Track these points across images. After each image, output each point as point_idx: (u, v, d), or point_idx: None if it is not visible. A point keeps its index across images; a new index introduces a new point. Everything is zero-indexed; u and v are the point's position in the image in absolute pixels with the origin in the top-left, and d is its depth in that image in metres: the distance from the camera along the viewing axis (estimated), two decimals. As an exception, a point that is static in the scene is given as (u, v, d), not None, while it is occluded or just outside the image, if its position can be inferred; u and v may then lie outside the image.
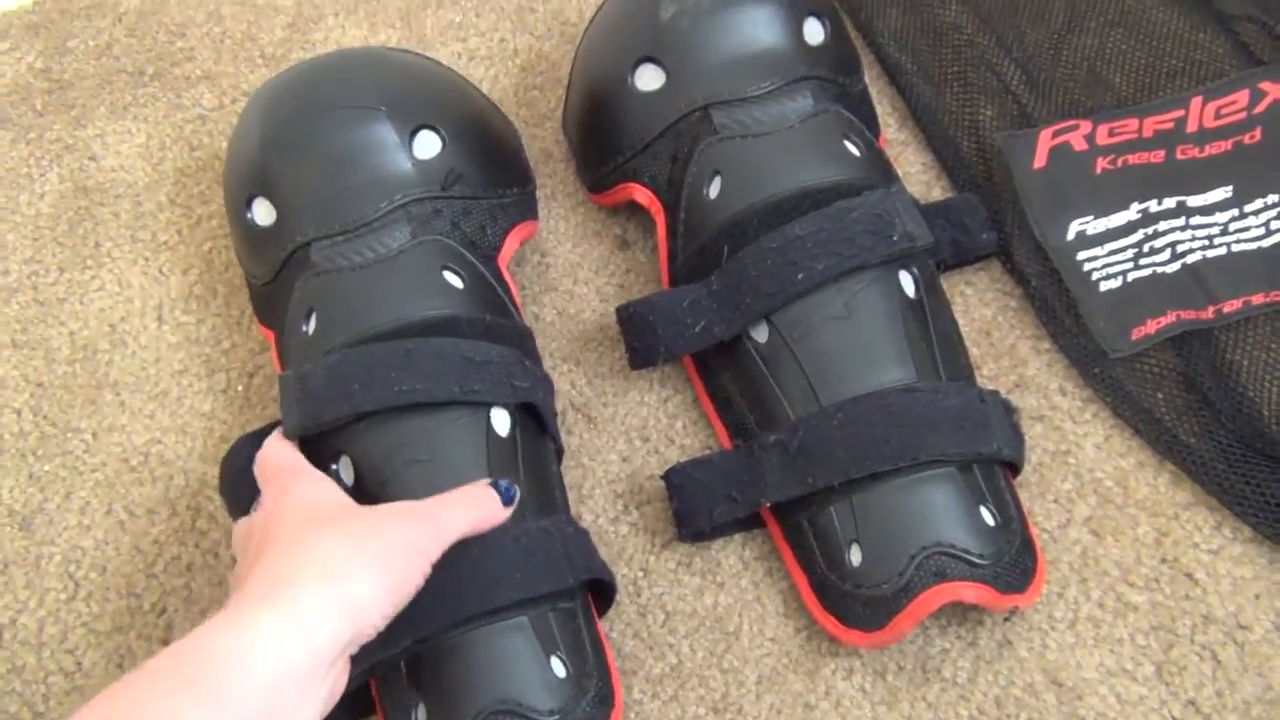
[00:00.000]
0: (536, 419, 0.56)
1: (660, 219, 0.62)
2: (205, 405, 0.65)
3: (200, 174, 0.74)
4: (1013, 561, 0.52)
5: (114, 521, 0.62)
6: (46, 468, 0.64)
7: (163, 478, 0.63)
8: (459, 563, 0.49)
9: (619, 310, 0.60)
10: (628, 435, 0.61)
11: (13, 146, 0.77)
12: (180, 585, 0.60)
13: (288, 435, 0.54)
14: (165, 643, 0.58)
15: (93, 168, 0.75)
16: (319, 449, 0.54)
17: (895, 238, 0.56)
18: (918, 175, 0.67)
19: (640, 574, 0.57)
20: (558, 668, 0.50)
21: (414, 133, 0.59)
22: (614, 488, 0.60)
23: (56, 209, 0.74)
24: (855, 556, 0.52)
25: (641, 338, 0.59)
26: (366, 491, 0.53)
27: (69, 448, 0.65)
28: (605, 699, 0.51)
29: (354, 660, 0.49)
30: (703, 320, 0.57)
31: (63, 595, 0.60)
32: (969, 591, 0.50)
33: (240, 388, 0.65)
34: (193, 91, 0.78)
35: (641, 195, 0.63)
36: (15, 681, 0.58)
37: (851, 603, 0.52)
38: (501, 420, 0.54)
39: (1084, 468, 0.57)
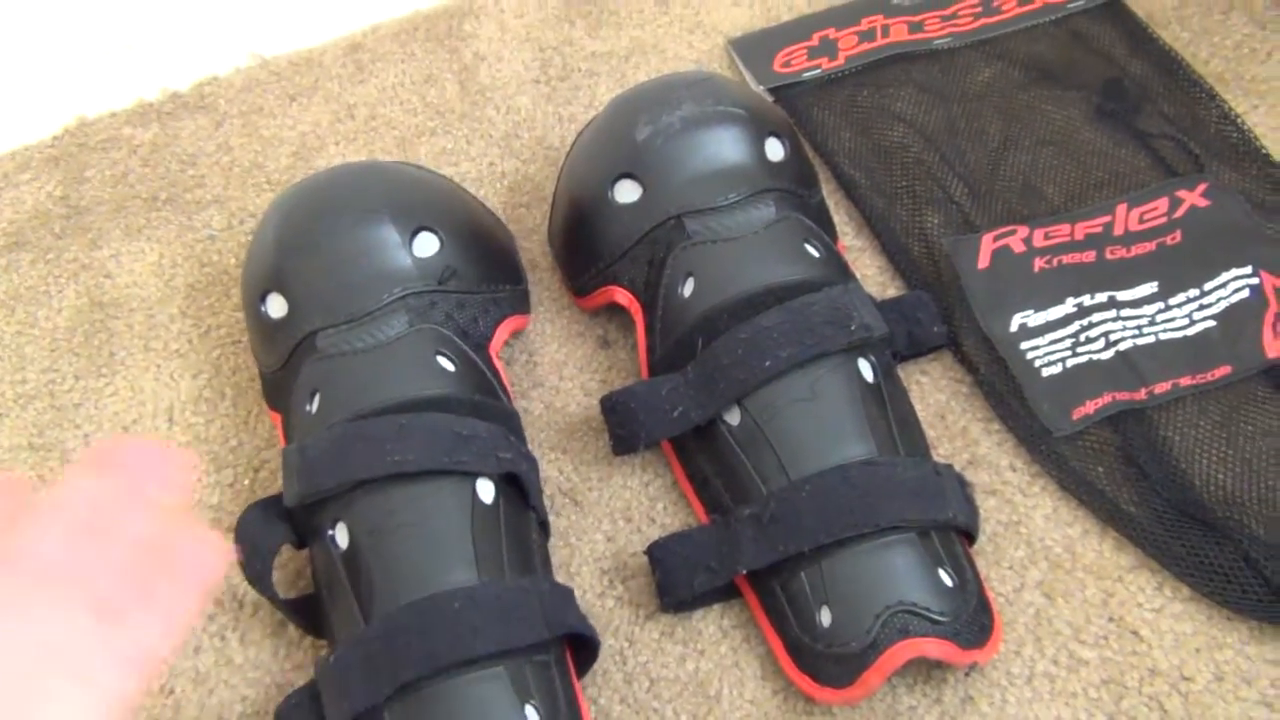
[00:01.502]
0: (520, 490, 0.61)
1: (639, 318, 0.68)
2: (213, 498, 0.69)
3: (210, 288, 0.79)
4: (971, 619, 0.56)
5: (125, 608, 0.65)
6: (60, 560, 0.67)
7: (172, 566, 0.66)
8: (439, 614, 0.54)
9: (603, 400, 0.65)
10: (612, 516, 0.66)
11: (32, 266, 0.82)
12: (188, 666, 0.63)
13: (289, 503, 0.59)
14: (173, 722, 0.61)
15: (108, 284, 0.81)
16: (317, 516, 0.59)
17: (854, 327, 0.62)
18: (874, 277, 0.73)
19: (626, 644, 0.61)
20: (532, 716, 0.53)
21: (414, 233, 0.65)
22: (600, 564, 0.64)
23: (73, 322, 0.79)
24: (825, 617, 0.56)
25: (624, 424, 0.64)
26: (358, 554, 0.57)
27: (82, 541, 0.68)
28: None
29: (345, 705, 0.53)
30: (680, 406, 0.63)
31: (74, 679, 0.63)
32: (932, 647, 0.54)
33: (246, 481, 0.70)
34: (203, 214, 0.84)
35: (622, 297, 0.69)
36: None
37: (823, 662, 0.56)
38: (486, 489, 0.59)
39: (1034, 536, 0.62)
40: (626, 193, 0.68)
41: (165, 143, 0.89)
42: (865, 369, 0.62)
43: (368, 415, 0.61)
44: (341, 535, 0.59)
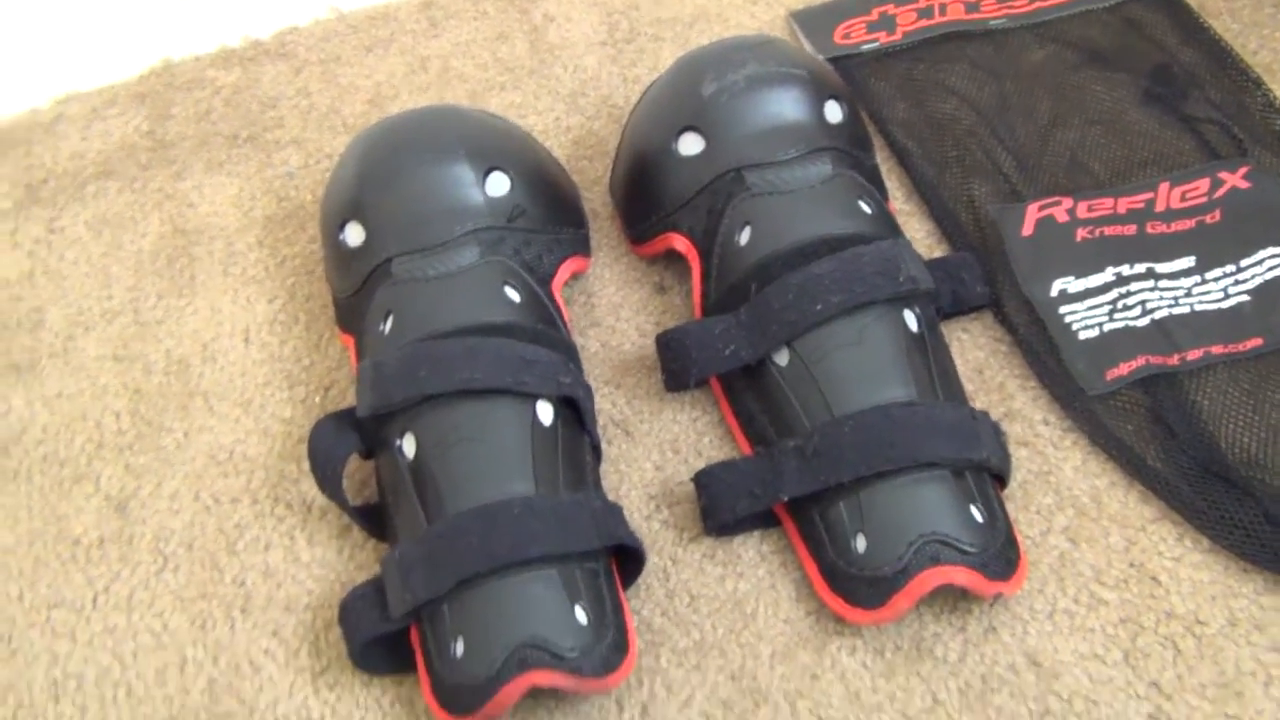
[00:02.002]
0: (576, 415, 0.65)
1: (696, 264, 0.71)
2: (285, 412, 0.73)
3: (286, 221, 0.84)
4: (998, 554, 0.59)
5: (200, 507, 0.70)
6: (141, 460, 0.72)
7: (245, 471, 0.71)
8: (500, 518, 0.58)
9: (658, 337, 0.69)
10: (661, 448, 0.69)
11: (119, 194, 0.87)
12: (259, 561, 0.67)
13: (361, 413, 0.63)
14: (244, 611, 0.65)
15: (190, 213, 0.85)
16: (386, 427, 0.63)
17: (901, 279, 0.65)
18: (922, 240, 0.77)
19: (670, 563, 0.65)
20: (580, 615, 0.57)
21: (487, 173, 0.69)
22: (648, 490, 0.68)
23: (157, 247, 0.83)
24: (860, 544, 0.60)
25: (677, 360, 0.68)
26: (425, 463, 0.61)
27: (162, 444, 0.73)
28: (620, 647, 0.58)
29: (407, 596, 0.57)
30: (732, 345, 0.66)
31: (153, 568, 0.68)
32: (960, 575, 0.58)
33: (317, 399, 0.74)
34: (281, 153, 0.88)
35: (680, 244, 0.72)
36: (108, 639, 0.65)
37: (856, 585, 0.59)
38: (546, 411, 0.63)
39: (1063, 486, 0.65)
40: (690, 145, 0.72)
41: (247, 85, 0.93)
42: (910, 319, 0.66)
43: (438, 337, 0.65)
44: (409, 445, 0.63)
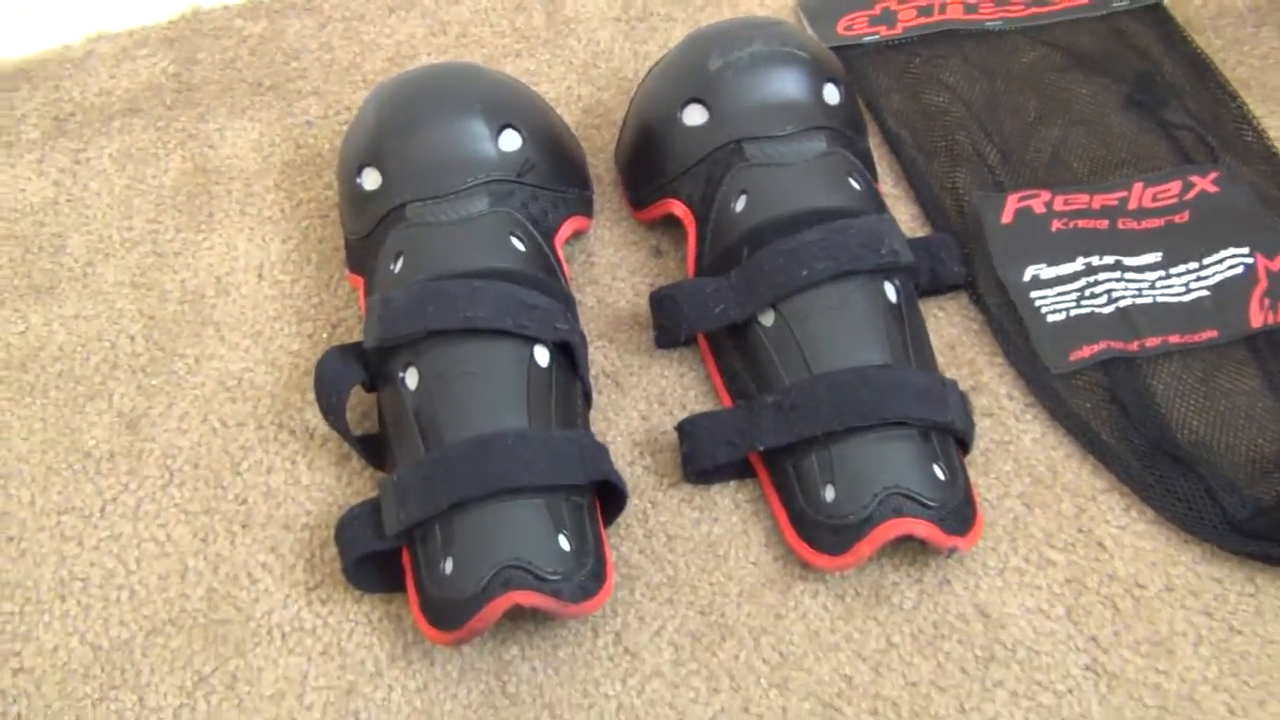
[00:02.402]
0: (571, 361, 0.69)
1: (692, 229, 0.75)
2: (294, 345, 0.77)
3: (304, 167, 0.87)
4: (956, 510, 0.63)
5: (208, 429, 0.73)
6: (153, 382, 0.76)
7: (252, 398, 0.75)
8: (494, 447, 0.62)
9: (652, 294, 0.73)
10: (648, 400, 0.73)
11: (144, 131, 0.90)
12: (260, 482, 0.71)
13: (368, 344, 0.67)
14: (245, 526, 0.69)
15: (211, 154, 0.89)
16: (392, 358, 0.67)
17: (883, 251, 0.69)
18: (906, 223, 0.81)
19: (649, 505, 0.69)
20: (563, 543, 0.61)
21: (501, 129, 0.73)
22: (633, 438, 0.72)
23: (177, 183, 0.87)
24: (829, 494, 0.64)
25: (669, 316, 0.72)
26: (426, 395, 0.65)
27: (174, 368, 0.76)
28: (599, 576, 0.62)
29: (402, 515, 0.60)
30: (722, 304, 0.70)
31: (159, 481, 0.71)
32: (919, 527, 0.62)
33: (325, 334, 0.78)
34: (302, 103, 0.92)
35: (678, 209, 0.76)
36: (113, 545, 0.69)
37: (822, 532, 0.64)
38: (542, 354, 0.67)
39: (1022, 455, 0.69)
40: (694, 116, 0.76)
41: (272, 37, 0.97)
42: (889, 291, 0.70)
43: (445, 278, 0.69)
44: (411, 378, 0.67)
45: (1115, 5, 0.92)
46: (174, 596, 0.67)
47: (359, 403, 0.73)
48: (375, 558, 0.65)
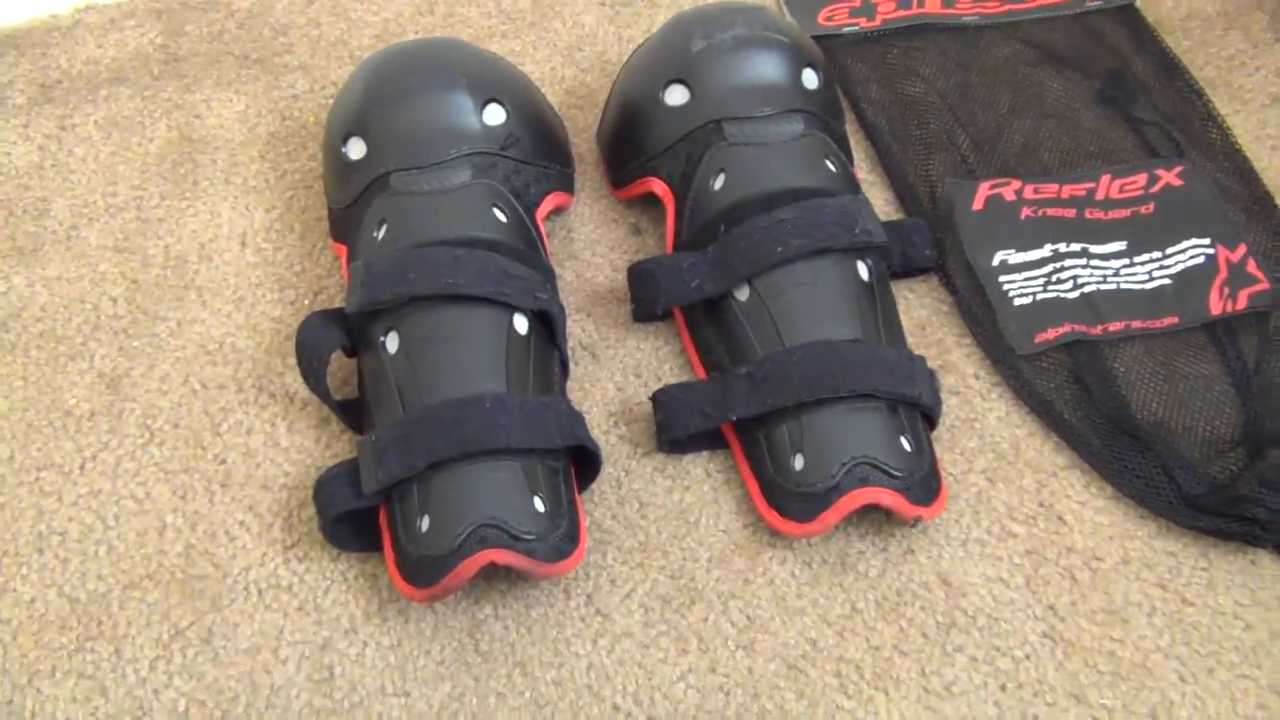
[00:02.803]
0: (549, 331, 0.70)
1: (670, 206, 0.77)
2: (275, 311, 0.78)
3: (289, 139, 0.88)
4: (922, 481, 0.65)
5: (189, 390, 0.74)
6: (135, 344, 0.77)
7: (233, 362, 0.76)
8: (473, 410, 0.63)
9: (630, 268, 0.75)
10: (624, 371, 0.75)
11: (130, 100, 0.91)
12: (240, 443, 0.72)
13: (350, 309, 0.68)
14: (224, 485, 0.70)
15: (197, 124, 0.90)
16: (373, 323, 0.69)
17: (857, 231, 0.71)
18: (881, 208, 0.83)
19: (623, 473, 0.70)
20: (538, 504, 0.62)
21: (485, 103, 0.75)
22: (608, 408, 0.73)
23: (163, 151, 0.88)
24: (798, 463, 0.65)
25: (646, 290, 0.74)
26: (406, 359, 0.67)
27: (156, 331, 0.77)
28: (572, 537, 0.63)
29: (380, 475, 0.62)
30: (698, 279, 0.72)
31: (139, 440, 0.72)
32: (885, 496, 0.64)
33: (306, 301, 0.79)
34: (289, 77, 0.93)
35: (658, 187, 0.78)
36: (92, 501, 0.70)
37: (791, 500, 0.65)
38: (521, 323, 0.68)
39: (987, 432, 0.71)
40: (676, 96, 0.77)
41: (260, 11, 0.98)
42: (862, 269, 0.72)
43: (428, 245, 0.70)
44: (392, 342, 0.68)
45: (1089, 4, 0.94)
46: (151, 552, 0.68)
47: (339, 368, 0.74)
48: (352, 517, 0.66)
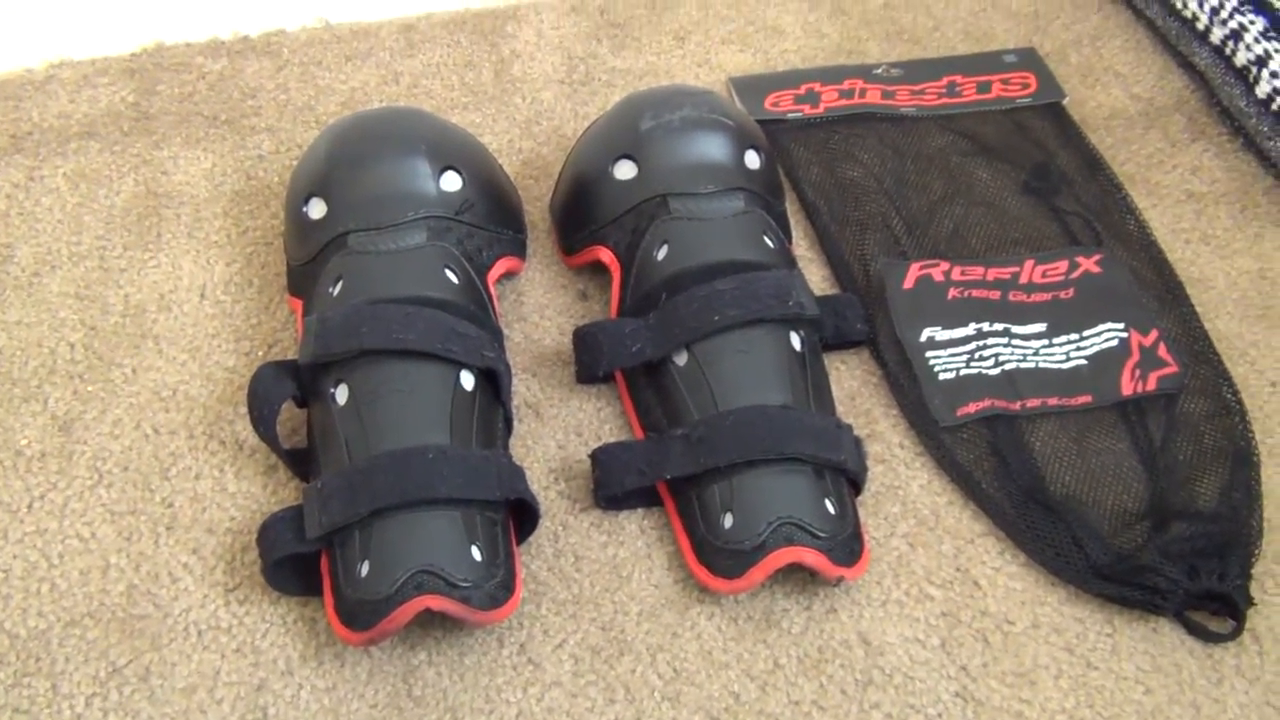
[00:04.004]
0: (495, 388, 0.73)
1: (616, 274, 0.81)
2: (230, 362, 0.80)
3: (253, 198, 0.91)
4: (845, 543, 0.68)
5: (140, 435, 0.76)
6: (90, 388, 0.79)
7: (186, 409, 0.78)
8: (415, 460, 0.66)
9: (575, 331, 0.78)
10: (565, 430, 0.78)
11: (99, 154, 0.94)
12: (188, 487, 0.74)
13: (303, 360, 0.71)
14: (169, 528, 0.72)
15: (164, 179, 0.93)
16: (325, 375, 0.71)
17: (790, 303, 0.75)
18: (818, 283, 0.87)
19: (560, 528, 0.73)
20: (476, 553, 0.65)
21: (443, 170, 0.78)
22: (549, 464, 0.76)
23: (129, 204, 0.90)
24: (728, 521, 0.68)
25: (589, 353, 0.77)
26: (354, 410, 0.69)
27: (111, 377, 0.79)
28: (508, 587, 0.66)
29: (324, 519, 0.64)
30: (639, 343, 0.75)
31: (88, 482, 0.74)
32: (809, 556, 0.67)
33: (260, 353, 0.81)
34: (255, 138, 0.96)
35: (605, 255, 0.82)
36: (38, 540, 0.71)
37: (720, 557, 0.68)
38: (468, 379, 0.71)
39: (909, 499, 0.75)
40: (625, 170, 0.82)
41: (231, 75, 1.02)
42: (795, 340, 0.75)
43: (381, 302, 0.73)
44: (342, 394, 0.71)
45: (1018, 101, 1.00)
46: (94, 591, 0.69)
47: (289, 418, 0.77)
48: (294, 561, 0.67)
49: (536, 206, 0.91)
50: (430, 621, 0.67)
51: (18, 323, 0.82)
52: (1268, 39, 0.94)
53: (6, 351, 0.80)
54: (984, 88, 1.01)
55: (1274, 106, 0.92)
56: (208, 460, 0.75)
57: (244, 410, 0.75)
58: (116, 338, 0.81)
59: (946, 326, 0.82)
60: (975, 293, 0.84)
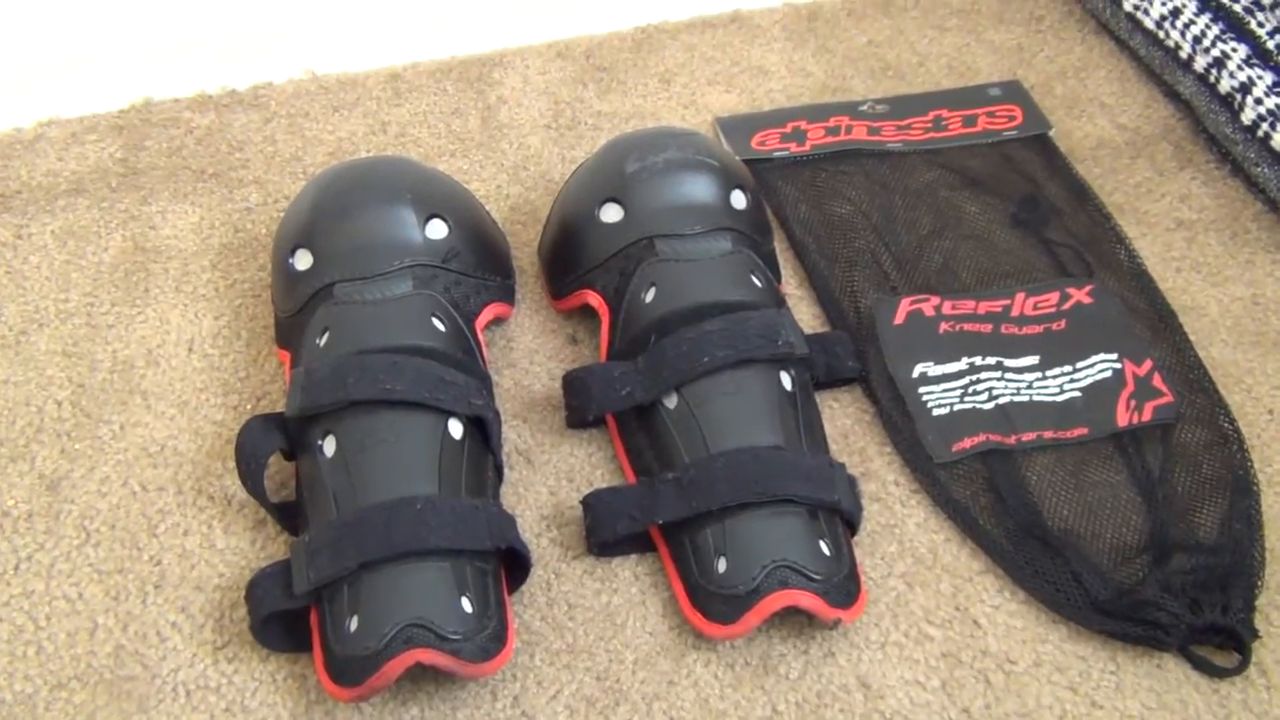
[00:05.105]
0: (484, 436, 0.72)
1: (605, 317, 0.80)
2: (218, 416, 0.80)
3: (241, 250, 0.91)
4: (841, 585, 0.67)
5: (128, 492, 0.76)
6: (77, 446, 0.78)
7: (174, 465, 0.77)
8: (403, 511, 0.65)
9: (565, 376, 0.78)
10: (557, 476, 0.77)
11: (87, 211, 0.94)
12: (176, 544, 0.73)
13: (290, 414, 0.70)
14: (158, 587, 0.71)
15: (151, 234, 0.93)
16: (312, 427, 0.71)
17: (780, 343, 0.75)
18: (808, 321, 0.86)
19: (553, 576, 0.72)
20: (466, 605, 0.64)
21: (429, 218, 0.78)
22: (541, 512, 0.75)
23: (116, 259, 0.90)
24: (722, 565, 0.67)
25: (578, 397, 0.76)
26: (342, 462, 0.68)
27: (99, 434, 0.79)
28: (500, 639, 0.64)
29: (311, 574, 0.63)
30: (629, 387, 0.75)
31: (75, 541, 0.73)
32: (805, 599, 0.66)
33: (249, 406, 0.81)
34: (243, 190, 0.96)
35: (593, 299, 0.81)
36: (24, 602, 0.70)
37: (715, 602, 0.67)
38: (456, 427, 0.71)
39: (906, 538, 0.74)
40: (611, 214, 0.81)
41: (218, 129, 1.02)
42: (785, 380, 0.75)
43: (368, 352, 0.72)
44: (329, 446, 0.70)
45: (1005, 134, 1.00)
46: (81, 653, 0.68)
47: (277, 471, 0.76)
48: (283, 618, 0.67)
49: (525, 251, 0.91)
50: (422, 675, 0.66)
51: (5, 381, 0.82)
52: (1250, 66, 0.94)
53: (-6, 411, 0.80)
54: (970, 121, 1.01)
55: (1259, 133, 0.92)
56: (196, 516, 0.74)
57: (232, 465, 0.75)
58: (104, 394, 0.81)
59: (939, 361, 0.82)
60: (967, 326, 0.84)
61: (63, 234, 0.92)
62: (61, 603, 0.70)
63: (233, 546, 0.73)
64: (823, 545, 0.68)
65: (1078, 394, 0.80)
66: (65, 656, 0.68)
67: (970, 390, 0.80)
